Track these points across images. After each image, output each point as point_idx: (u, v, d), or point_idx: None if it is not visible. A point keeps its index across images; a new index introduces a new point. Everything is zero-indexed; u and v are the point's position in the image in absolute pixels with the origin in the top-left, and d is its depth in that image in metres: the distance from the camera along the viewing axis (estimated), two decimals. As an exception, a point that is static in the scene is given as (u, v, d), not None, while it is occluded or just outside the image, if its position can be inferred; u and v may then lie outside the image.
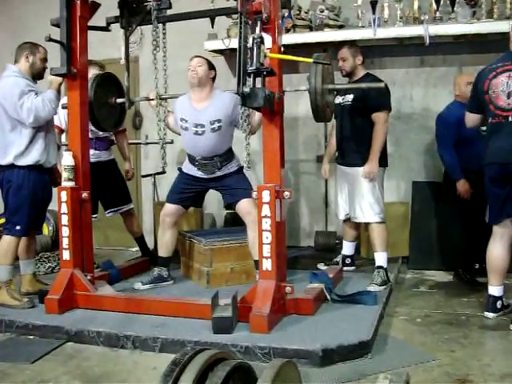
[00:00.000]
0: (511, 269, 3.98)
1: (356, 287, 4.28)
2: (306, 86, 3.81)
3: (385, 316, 3.88)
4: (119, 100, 4.63)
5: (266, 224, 3.57)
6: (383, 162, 4.53)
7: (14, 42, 4.37)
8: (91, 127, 4.46)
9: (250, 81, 3.23)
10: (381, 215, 4.48)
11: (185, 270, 4.94)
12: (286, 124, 3.89)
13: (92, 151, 4.55)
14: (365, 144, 4.44)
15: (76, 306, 3.98)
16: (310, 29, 5.49)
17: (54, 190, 4.23)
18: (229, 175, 4.40)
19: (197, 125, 4.27)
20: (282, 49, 3.82)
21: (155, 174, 5.77)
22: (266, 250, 3.59)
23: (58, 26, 3.99)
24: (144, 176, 6.01)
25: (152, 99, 4.45)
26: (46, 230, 6.05)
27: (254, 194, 3.65)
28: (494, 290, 3.81)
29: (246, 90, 3.19)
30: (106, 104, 4.59)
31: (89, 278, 4.09)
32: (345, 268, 4.84)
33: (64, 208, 4.00)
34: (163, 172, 4.80)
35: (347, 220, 4.80)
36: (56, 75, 4.04)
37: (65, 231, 4.02)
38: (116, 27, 4.53)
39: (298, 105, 5.72)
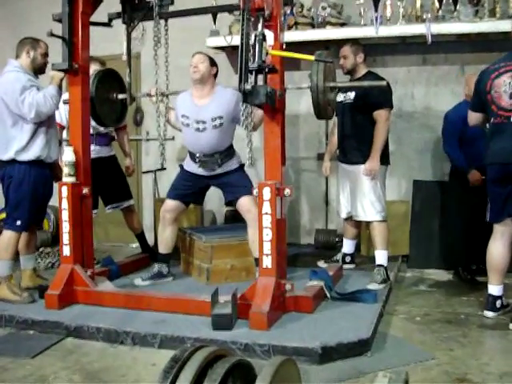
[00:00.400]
0: (511, 268, 3.98)
1: (356, 285, 4.28)
2: (308, 83, 3.81)
3: (384, 314, 3.89)
4: (121, 96, 4.63)
5: (267, 221, 3.58)
6: (385, 160, 4.53)
7: (16, 37, 4.36)
8: (92, 123, 4.45)
9: (251, 78, 3.23)
10: (382, 213, 4.48)
11: (185, 266, 4.94)
12: (287, 121, 3.90)
13: (93, 147, 4.54)
14: (366, 142, 4.43)
15: (76, 302, 3.98)
16: (312, 26, 5.49)
17: (55, 186, 4.23)
18: (229, 172, 4.40)
19: (198, 121, 4.27)
20: (284, 46, 3.82)
21: (156, 171, 5.78)
22: (267, 248, 3.60)
23: (59, 21, 3.98)
24: (145, 172, 6.02)
25: (153, 95, 4.44)
26: (47, 225, 6.06)
27: (255, 191, 3.65)
28: (494, 289, 3.81)
29: (248, 87, 3.20)
30: (108, 100, 4.58)
31: (89, 273, 4.10)
32: (345, 266, 4.85)
33: (65, 203, 4.01)
34: (163, 168, 4.80)
35: (348, 218, 4.80)
36: (57, 70, 4.04)
37: (65, 227, 4.02)
38: (118, 23, 4.52)
39: (299, 102, 5.72)
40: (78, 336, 3.56)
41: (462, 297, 4.34)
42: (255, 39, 3.24)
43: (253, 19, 3.36)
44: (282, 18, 3.93)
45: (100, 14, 4.30)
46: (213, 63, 4.34)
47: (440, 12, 5.03)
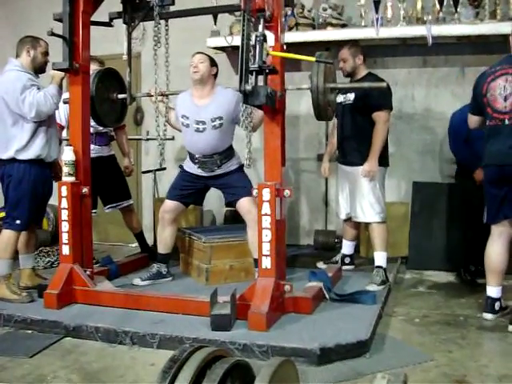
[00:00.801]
0: (510, 271, 3.98)
1: (355, 286, 4.28)
2: (308, 84, 3.82)
3: (383, 316, 3.88)
4: (121, 96, 4.63)
5: (266, 222, 3.58)
6: (384, 161, 4.53)
7: (16, 36, 4.36)
8: (91, 122, 4.45)
9: (252, 78, 3.23)
10: (381, 215, 4.48)
11: (184, 266, 4.94)
12: (287, 122, 3.89)
13: (92, 146, 4.54)
14: (366, 143, 4.43)
15: (75, 301, 3.98)
16: (313, 27, 5.49)
17: (55, 185, 4.23)
18: (229, 173, 4.40)
19: (198, 122, 4.26)
20: (285, 47, 3.82)
21: (155, 170, 5.78)
22: (266, 248, 3.60)
23: (60, 20, 3.98)
24: (144, 172, 6.01)
25: (153, 95, 4.44)
26: (46, 224, 6.05)
27: (255, 192, 3.65)
28: (493, 290, 3.81)
29: (248, 87, 3.19)
30: (108, 99, 4.58)
31: (88, 273, 4.10)
32: (344, 267, 4.84)
33: (64, 203, 4.01)
34: (163, 168, 4.80)
35: (347, 219, 4.80)
36: (58, 70, 4.04)
37: (65, 226, 4.02)
38: (118, 23, 4.52)
39: (299, 103, 5.72)
40: (76, 335, 3.55)
41: (460, 298, 4.34)
42: (256, 40, 3.24)
43: (253, 20, 3.37)
44: (283, 19, 3.93)
45: (101, 14, 4.30)
46: (213, 63, 4.34)
47: (441, 14, 5.04)
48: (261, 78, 3.29)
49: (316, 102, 3.80)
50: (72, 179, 4.04)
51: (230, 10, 4.72)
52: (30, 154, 4.07)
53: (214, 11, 4.80)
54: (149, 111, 6.22)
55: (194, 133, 4.30)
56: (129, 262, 5.09)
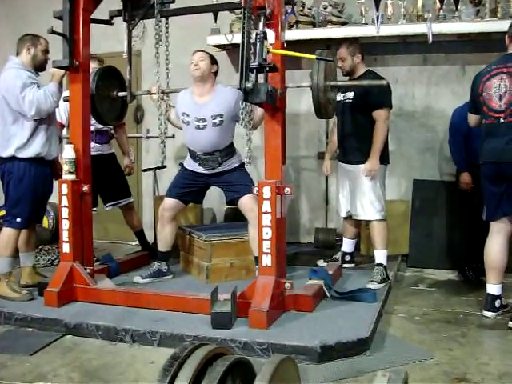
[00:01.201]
0: (510, 269, 3.98)
1: (355, 284, 4.28)
2: (309, 82, 3.81)
3: (383, 314, 3.89)
4: (121, 93, 4.62)
5: (267, 220, 3.58)
6: (385, 159, 4.53)
7: (16, 34, 4.37)
8: (91, 120, 4.45)
9: (252, 76, 3.22)
10: (382, 213, 4.48)
11: (184, 264, 4.94)
12: (287, 120, 3.90)
13: (92, 144, 4.53)
14: (366, 141, 4.43)
15: (75, 299, 3.98)
16: (313, 25, 5.48)
17: (55, 183, 4.23)
18: (230, 171, 4.40)
19: (198, 119, 4.26)
20: (285, 45, 3.82)
21: (156, 169, 5.78)
22: (266, 246, 3.60)
23: (60, 18, 3.98)
24: (144, 170, 6.01)
25: (154, 93, 4.44)
26: (46, 222, 6.05)
27: (255, 190, 3.65)
28: (493, 288, 3.81)
29: (249, 85, 3.19)
30: (108, 97, 4.58)
31: (88, 271, 4.09)
32: (344, 265, 4.85)
33: (64, 201, 4.01)
34: (164, 166, 4.79)
35: (348, 217, 4.80)
36: (58, 68, 4.04)
37: (65, 224, 4.02)
38: (119, 21, 4.52)
39: (299, 101, 5.72)
40: (77, 333, 3.56)
41: (461, 296, 4.35)
42: (256, 38, 3.23)
43: (254, 18, 3.36)
44: (283, 17, 3.92)
45: (101, 12, 4.29)
46: (213, 61, 4.34)
47: (441, 11, 5.03)
48: (261, 75, 3.29)
49: (316, 99, 3.79)
50: (72, 177, 4.04)
51: (230, 7, 4.72)
52: (30, 152, 4.07)
53: (215, 9, 4.80)
54: (149, 109, 6.22)
55: (194, 130, 4.30)
56: (129, 260, 5.09)
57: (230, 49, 5.74)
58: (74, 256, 4.03)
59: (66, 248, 4.03)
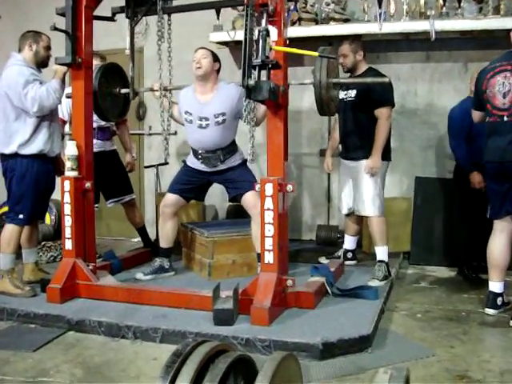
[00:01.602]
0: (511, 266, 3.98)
1: (357, 281, 4.29)
2: (311, 79, 3.81)
3: (385, 311, 3.89)
4: (123, 90, 4.62)
5: (269, 217, 3.58)
6: (386, 156, 4.53)
7: (19, 31, 4.37)
8: (93, 117, 4.45)
9: (255, 73, 3.22)
10: (381, 209, 4.48)
11: (187, 261, 4.95)
12: (289, 117, 3.88)
13: (94, 141, 4.53)
14: (367, 139, 4.43)
15: (77, 296, 3.99)
16: (316, 22, 5.48)
17: (58, 180, 4.24)
18: (232, 169, 4.40)
19: (201, 118, 4.26)
20: (288, 42, 3.81)
21: (158, 165, 5.78)
22: (268, 243, 3.60)
23: (63, 15, 3.98)
24: (147, 167, 6.02)
25: (156, 90, 4.44)
26: (49, 219, 6.06)
27: (257, 187, 3.65)
28: (495, 285, 3.81)
29: (251, 82, 3.19)
30: (111, 94, 4.58)
31: (91, 267, 4.10)
32: (346, 262, 4.85)
33: (67, 198, 4.01)
34: (166, 163, 4.80)
35: (350, 214, 4.80)
36: (61, 64, 4.04)
37: (67, 221, 4.03)
38: (121, 17, 4.52)
39: (302, 98, 5.72)
40: (79, 330, 3.56)
41: (462, 294, 4.35)
42: (259, 34, 3.23)
43: (256, 14, 3.36)
44: (286, 14, 3.92)
45: (103, 8, 4.29)
46: (216, 59, 4.33)
47: (444, 9, 5.03)
48: (264, 72, 3.29)
49: (319, 97, 3.80)
50: (75, 174, 4.04)
51: (233, 4, 4.72)
52: (32, 148, 4.08)
53: (217, 6, 4.79)
54: (151, 106, 6.22)
55: (197, 129, 4.30)
56: (131, 256, 5.10)
57: (233, 46, 5.73)
58: (77, 252, 4.03)
59: (68, 244, 4.04)
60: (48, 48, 4.22)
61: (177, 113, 4.53)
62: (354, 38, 4.70)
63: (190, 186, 4.50)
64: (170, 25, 4.36)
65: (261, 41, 3.22)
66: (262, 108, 4.03)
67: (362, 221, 4.89)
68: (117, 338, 3.45)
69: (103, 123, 4.92)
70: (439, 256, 5.23)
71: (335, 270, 4.32)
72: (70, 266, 3.99)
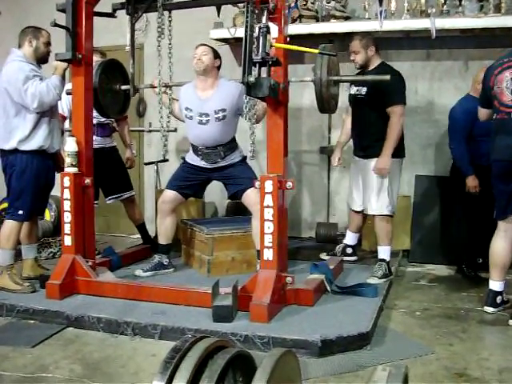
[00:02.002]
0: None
1: (356, 279, 4.29)
2: (312, 76, 3.81)
3: (384, 308, 3.89)
4: (124, 87, 4.62)
5: (268, 214, 3.58)
6: (400, 153, 4.49)
7: (19, 27, 4.36)
8: (93, 113, 4.45)
9: (255, 70, 3.22)
10: (389, 208, 4.45)
11: (186, 258, 4.95)
12: (289, 114, 3.88)
13: (94, 137, 4.53)
14: (377, 137, 4.39)
15: (77, 292, 4.00)
16: (317, 19, 5.47)
17: (57, 176, 4.24)
18: (232, 165, 4.40)
19: (201, 114, 4.26)
20: (288, 39, 3.81)
21: (158, 162, 5.78)
22: (268, 240, 3.60)
23: (63, 11, 3.97)
24: (146, 164, 6.01)
25: (155, 87, 4.44)
26: (48, 215, 6.06)
27: (257, 184, 3.65)
28: (495, 284, 3.82)
29: (251, 79, 3.19)
30: (111, 90, 4.58)
31: (90, 264, 4.10)
32: (345, 258, 4.84)
33: (67, 194, 4.01)
34: (165, 160, 4.79)
35: (360, 211, 4.77)
36: (61, 61, 4.03)
37: (67, 217, 4.03)
38: (122, 14, 4.51)
39: (302, 95, 5.71)
40: (78, 326, 3.57)
41: (462, 292, 4.35)
42: (259, 31, 3.23)
43: (257, 11, 3.36)
44: (287, 11, 3.92)
45: (104, 5, 4.29)
46: (216, 55, 4.33)
47: (445, 7, 5.02)
48: (264, 69, 3.28)
49: (319, 94, 3.79)
50: (74, 170, 4.04)
51: (233, 1, 4.71)
52: (32, 144, 4.08)
53: (218, 2, 4.76)
54: (151, 103, 6.21)
55: (197, 125, 4.30)
56: (131, 253, 5.11)
57: (233, 43, 5.72)
58: (76, 249, 4.04)
59: (67, 241, 4.04)
60: (48, 44, 4.22)
61: (177, 109, 4.53)
62: (364, 34, 4.60)
63: (189, 182, 4.49)
64: (170, 22, 4.35)
65: (261, 38, 3.21)
66: (262, 105, 4.03)
67: (366, 218, 4.86)
68: (116, 334, 3.46)
69: (103, 120, 4.92)
70: (439, 254, 5.23)
71: (334, 267, 4.32)
72: (69, 262, 3.99)
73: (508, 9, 4.84)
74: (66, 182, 4.01)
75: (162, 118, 4.39)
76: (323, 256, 4.95)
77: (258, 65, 3.23)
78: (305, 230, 6.10)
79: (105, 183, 4.99)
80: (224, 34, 5.41)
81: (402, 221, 5.32)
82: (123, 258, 4.82)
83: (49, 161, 4.25)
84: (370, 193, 4.47)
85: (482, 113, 4.00)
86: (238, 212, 5.37)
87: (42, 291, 3.97)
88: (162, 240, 4.60)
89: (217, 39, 5.57)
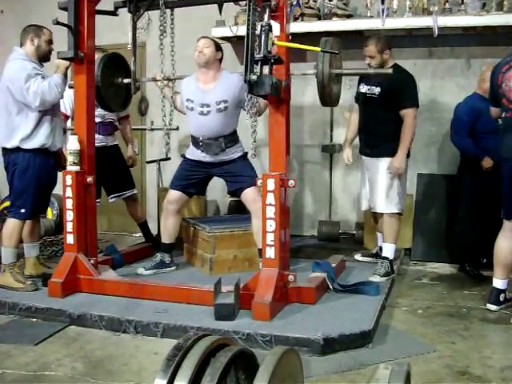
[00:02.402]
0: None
1: (358, 277, 4.29)
2: (314, 70, 3.80)
3: (386, 307, 3.89)
4: (126, 80, 4.61)
5: (270, 212, 3.58)
6: (408, 152, 4.48)
7: (21, 25, 4.35)
8: (96, 112, 4.45)
9: (257, 68, 3.22)
10: (398, 206, 4.46)
11: (188, 256, 4.95)
12: (291, 112, 3.88)
13: (96, 136, 4.52)
14: (387, 136, 4.41)
15: (79, 290, 4.00)
16: (318, 18, 5.47)
17: (59, 174, 4.24)
18: (233, 161, 4.38)
19: (203, 105, 4.25)
20: (290, 37, 3.80)
21: (160, 160, 5.78)
22: (270, 238, 3.60)
23: (65, 9, 3.97)
24: (148, 162, 6.02)
25: (158, 80, 4.44)
26: (50, 213, 6.07)
27: (259, 182, 3.65)
28: (499, 282, 3.82)
29: (254, 77, 3.19)
30: (113, 84, 4.57)
31: (92, 262, 4.10)
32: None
33: (69, 192, 4.01)
34: (168, 158, 4.79)
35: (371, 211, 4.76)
36: (63, 59, 4.03)
37: (69, 215, 4.03)
38: (123, 12, 4.51)
39: (304, 93, 5.71)
40: (80, 324, 3.57)
41: (464, 290, 4.35)
42: (261, 29, 3.22)
43: (259, 9, 3.35)
44: (289, 9, 3.91)
45: (106, 3, 4.29)
46: (218, 48, 4.32)
47: (447, 4, 5.02)
48: (266, 67, 3.28)
49: (321, 87, 3.78)
50: (77, 168, 4.04)
51: (235, -1, 4.70)
52: (34, 143, 4.08)
53: (220, 1, 4.78)
54: (153, 101, 6.21)
55: (198, 116, 4.28)
56: (133, 251, 5.11)
57: (235, 41, 5.72)
58: (78, 247, 4.04)
59: (70, 239, 4.04)
60: (50, 42, 4.21)
61: (179, 102, 4.52)
62: (380, 37, 4.52)
63: (191, 181, 4.48)
64: (172, 20, 4.36)
65: (263, 36, 3.21)
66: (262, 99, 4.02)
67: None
68: (118, 332, 3.46)
69: (105, 118, 4.92)
70: (441, 252, 5.22)
71: (336, 265, 4.32)
72: (71, 261, 3.99)
73: (510, 7, 4.83)
74: (68, 180, 4.01)
75: (164, 116, 4.39)
76: (358, 257, 4.96)
77: (259, 63, 3.23)
78: (307, 229, 6.10)
79: (107, 181, 4.99)
80: (226, 32, 5.41)
81: (404, 219, 5.28)
82: (125, 257, 4.82)
83: (51, 159, 4.25)
84: (379, 191, 4.47)
85: (494, 112, 3.95)
86: (240, 210, 5.37)
87: (45, 289, 3.97)
88: (166, 239, 4.59)
89: (219, 38, 5.55)
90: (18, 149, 4.08)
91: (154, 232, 5.50)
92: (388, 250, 4.47)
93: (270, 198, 3.57)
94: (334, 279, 4.03)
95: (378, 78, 4.44)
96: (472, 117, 4.52)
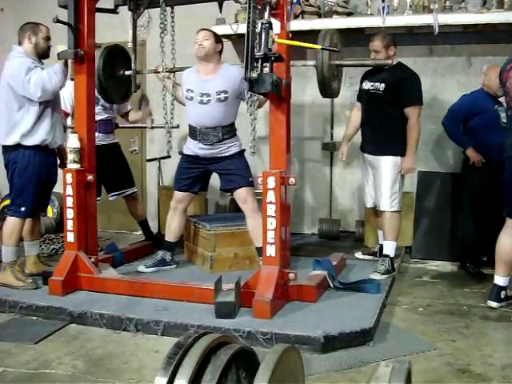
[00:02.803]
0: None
1: (359, 275, 4.29)
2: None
3: (387, 305, 3.89)
4: (127, 72, 4.60)
5: (271, 210, 3.58)
6: (405, 151, 4.48)
7: (21, 23, 4.34)
8: (96, 110, 4.44)
9: (257, 66, 3.22)
10: (399, 204, 4.48)
11: (188, 254, 4.95)
12: (292, 110, 3.87)
13: (97, 134, 4.52)
14: (391, 133, 4.41)
15: (79, 288, 4.00)
16: (319, 15, 5.46)
17: (60, 172, 4.24)
18: (230, 157, 4.35)
19: (202, 94, 4.22)
20: (290, 35, 3.80)
21: (160, 159, 5.77)
22: (270, 236, 3.60)
23: (65, 7, 3.97)
24: (149, 160, 6.01)
25: (159, 72, 4.43)
26: (51, 211, 6.06)
27: (259, 180, 3.65)
28: (500, 279, 3.82)
29: (254, 75, 3.18)
30: (114, 76, 4.57)
31: (92, 260, 4.10)
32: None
33: (69, 190, 4.01)
34: (168, 156, 4.79)
35: (375, 208, 4.75)
36: (63, 59, 4.03)
37: (69, 213, 4.03)
38: (124, 10, 4.50)
39: (304, 91, 5.70)
40: (81, 322, 3.57)
41: (464, 288, 4.35)
42: (261, 27, 3.22)
43: (259, 7, 3.35)
44: (289, 7, 3.90)
45: (106, 1, 4.28)
46: (218, 40, 4.28)
47: (447, 2, 5.01)
48: (266, 65, 3.28)
49: (321, 78, 3.78)
50: (77, 166, 4.04)
51: (235, -3, 4.68)
52: (35, 139, 4.07)
53: (220, -1, 4.78)
54: (154, 99, 6.19)
55: (197, 105, 4.26)
56: (133, 249, 5.11)
57: (235, 39, 5.71)
58: (79, 245, 4.04)
59: (70, 237, 4.04)
60: (47, 38, 4.20)
61: (180, 94, 4.50)
62: (386, 33, 4.55)
63: (192, 177, 4.45)
64: (172, 18, 4.35)
65: (263, 33, 3.21)
66: None
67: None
68: (118, 330, 3.46)
69: (105, 116, 4.92)
70: (441, 250, 5.22)
71: (337, 263, 4.32)
72: (71, 259, 3.99)
73: (511, 4, 4.82)
74: (69, 178, 4.01)
75: (166, 114, 4.39)
76: (358, 255, 4.96)
77: (260, 60, 3.22)
78: (307, 226, 6.10)
79: (107, 180, 4.99)
80: (226, 30, 5.39)
81: (405, 217, 5.28)
82: (126, 255, 4.82)
83: (51, 157, 4.25)
84: (383, 190, 4.47)
85: None
86: (240, 208, 5.36)
87: (45, 288, 3.97)
88: (170, 237, 4.58)
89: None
90: (18, 146, 4.08)
91: (154, 230, 5.50)
92: (389, 248, 4.47)
93: (271, 196, 3.57)
94: (335, 277, 4.03)
95: (382, 74, 4.45)
96: (468, 106, 4.52)
